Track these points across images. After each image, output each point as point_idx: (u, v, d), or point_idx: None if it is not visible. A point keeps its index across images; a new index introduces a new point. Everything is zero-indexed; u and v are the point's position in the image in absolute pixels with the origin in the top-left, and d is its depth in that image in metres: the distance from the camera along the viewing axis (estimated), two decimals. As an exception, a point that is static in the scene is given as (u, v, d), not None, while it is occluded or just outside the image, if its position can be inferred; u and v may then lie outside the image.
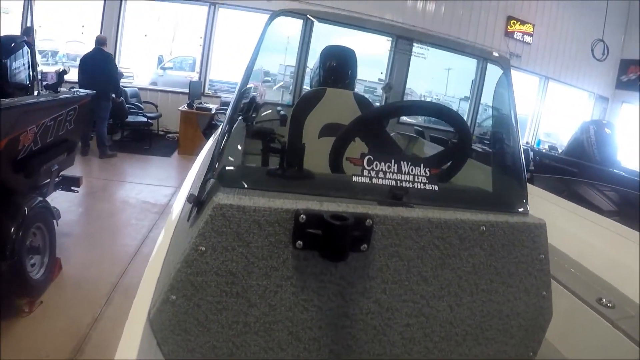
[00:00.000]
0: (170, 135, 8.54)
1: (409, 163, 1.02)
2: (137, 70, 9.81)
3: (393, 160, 1.01)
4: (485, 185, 1.36)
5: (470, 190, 1.36)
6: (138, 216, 4.57)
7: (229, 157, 1.16)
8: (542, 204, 2.13)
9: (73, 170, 3.88)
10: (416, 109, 1.89)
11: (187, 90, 8.10)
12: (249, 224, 0.87)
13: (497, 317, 1.11)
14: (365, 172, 0.99)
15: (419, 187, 1.02)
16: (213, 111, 7.81)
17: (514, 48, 10.43)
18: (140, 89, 8.53)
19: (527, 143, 10.88)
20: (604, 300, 1.44)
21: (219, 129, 2.37)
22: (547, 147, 9.39)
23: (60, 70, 3.66)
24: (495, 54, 1.63)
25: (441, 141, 3.69)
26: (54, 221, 3.14)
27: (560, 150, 7.84)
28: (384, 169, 1.00)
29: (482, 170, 1.54)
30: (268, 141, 1.74)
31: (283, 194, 0.94)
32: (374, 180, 0.99)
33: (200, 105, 7.75)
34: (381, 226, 0.93)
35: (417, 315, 1.03)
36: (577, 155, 6.29)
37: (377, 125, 1.46)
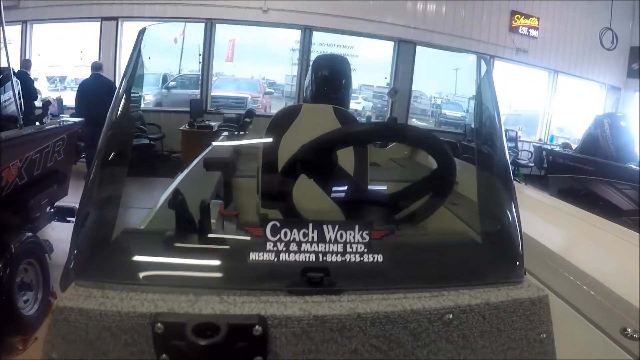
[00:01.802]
0: (175, 155, 8.45)
1: (336, 227, 0.72)
2: (140, 92, 9.77)
3: (311, 225, 0.72)
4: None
5: (437, 257, 1.01)
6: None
7: (88, 232, 0.88)
8: (559, 216, 1.93)
9: (71, 197, 3.78)
10: (372, 134, 1.37)
11: (188, 109, 8.05)
12: (99, 330, 0.67)
13: None
14: (270, 246, 0.71)
15: (352, 260, 0.73)
16: (214, 129, 7.71)
17: (520, 43, 10.18)
18: (143, 111, 8.48)
19: (540, 140, 10.62)
20: (629, 330, 1.21)
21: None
22: (560, 143, 9.12)
23: (44, 102, 3.58)
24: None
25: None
26: (47, 255, 3.03)
27: (574, 147, 7.57)
28: (297, 239, 0.72)
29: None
30: None
31: (146, 287, 0.72)
32: (282, 257, 0.72)
33: (202, 124, 7.65)
34: (284, 330, 0.68)
35: None
36: (592, 151, 6.02)
37: (317, 162, 1.13)
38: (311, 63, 2.36)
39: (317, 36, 9.00)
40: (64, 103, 6.05)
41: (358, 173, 1.49)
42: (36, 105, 5.15)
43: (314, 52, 8.81)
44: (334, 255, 0.72)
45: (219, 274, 0.83)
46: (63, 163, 3.46)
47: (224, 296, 0.70)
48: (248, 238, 0.76)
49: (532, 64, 10.53)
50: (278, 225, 0.71)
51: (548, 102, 11.24)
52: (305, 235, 0.71)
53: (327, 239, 0.72)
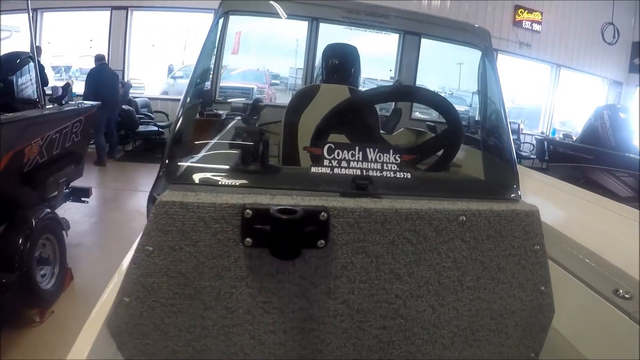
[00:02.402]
0: (181, 142, 8.61)
1: (376, 150, 0.92)
2: (147, 80, 9.92)
3: (357, 148, 0.92)
4: (475, 173, 1.27)
5: (451, 177, 1.29)
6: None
7: (177, 153, 1.08)
8: (554, 192, 2.06)
9: (84, 181, 3.92)
10: (394, 95, 1.88)
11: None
12: (194, 221, 0.81)
13: (488, 317, 1.01)
14: (326, 162, 0.90)
15: (388, 175, 0.93)
16: (223, 117, 7.83)
17: (524, 37, 10.26)
18: (150, 98, 8.61)
19: (542, 133, 10.70)
20: (621, 291, 1.35)
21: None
22: (561, 135, 9.21)
23: (64, 84, 3.69)
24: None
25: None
26: (64, 232, 3.16)
27: (575, 138, 7.68)
28: (347, 158, 0.91)
29: (472, 158, 1.45)
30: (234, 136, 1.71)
31: (233, 189, 0.89)
32: (336, 171, 0.91)
33: (211, 113, 7.78)
34: (340, 220, 0.85)
35: (394, 317, 0.94)
36: (592, 141, 6.14)
37: (354, 115, 1.37)
38: (322, 52, 2.48)
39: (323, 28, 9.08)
40: (73, 90, 6.24)
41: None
42: (46, 92, 5.31)
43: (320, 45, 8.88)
44: (375, 170, 0.92)
45: (289, 180, 1.03)
46: (80, 145, 3.57)
47: (294, 196, 0.87)
48: (311, 156, 0.94)
49: (535, 58, 10.61)
50: (332, 146, 0.91)
51: (550, 96, 11.33)
52: (353, 155, 0.91)
53: (369, 158, 0.92)
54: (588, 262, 1.50)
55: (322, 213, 0.82)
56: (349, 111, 1.29)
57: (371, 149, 0.92)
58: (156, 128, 7.70)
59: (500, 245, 0.96)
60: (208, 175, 1.00)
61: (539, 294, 1.04)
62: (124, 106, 7.12)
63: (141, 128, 7.45)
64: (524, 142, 9.77)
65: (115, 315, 0.83)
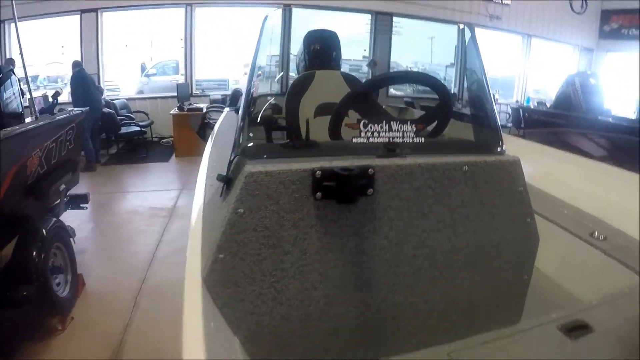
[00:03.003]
0: (164, 140, 8.61)
1: (398, 122, 1.19)
2: (121, 82, 9.83)
3: (384, 121, 1.17)
4: (467, 136, 1.53)
5: (452, 139, 1.55)
6: (148, 222, 4.69)
7: (249, 137, 1.30)
8: (532, 154, 2.28)
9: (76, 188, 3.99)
10: (398, 79, 2.18)
11: (175, 94, 8.20)
12: (276, 184, 1.02)
13: (489, 245, 1.29)
14: (362, 134, 1.15)
15: (408, 140, 1.19)
16: (204, 110, 7.88)
17: (494, 10, 10.44)
18: (128, 99, 8.57)
19: (517, 102, 10.96)
20: (597, 233, 1.61)
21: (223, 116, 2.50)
22: (535, 103, 9.47)
23: (54, 93, 3.73)
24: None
25: (430, 108, 3.82)
26: (71, 239, 3.25)
27: (548, 105, 7.92)
28: (377, 130, 1.17)
29: (463, 126, 1.68)
30: (276, 122, 1.97)
31: (299, 159, 1.10)
32: (370, 140, 1.16)
33: (191, 107, 7.82)
34: (381, 174, 1.10)
35: (422, 247, 1.21)
36: (565, 107, 6.39)
37: (366, 97, 1.58)
38: (303, 38, 2.62)
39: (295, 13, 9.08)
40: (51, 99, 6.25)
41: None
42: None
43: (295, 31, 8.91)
44: (398, 137, 1.19)
45: (339, 149, 1.26)
46: (74, 152, 3.62)
47: (346, 160, 1.10)
48: (351, 130, 1.18)
49: (506, 29, 10.80)
50: (366, 122, 1.16)
51: (523, 66, 11.57)
52: (382, 127, 1.17)
53: (394, 129, 1.18)
54: (567, 213, 1.77)
55: (370, 169, 1.07)
56: (365, 93, 1.54)
57: (394, 122, 1.18)
58: (138, 128, 7.70)
59: (493, 188, 1.25)
60: (274, 151, 1.25)
61: (526, 225, 1.33)
62: (104, 109, 7.12)
63: (123, 130, 7.44)
64: (500, 112, 10.00)
65: (212, 272, 1.01)
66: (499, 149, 1.34)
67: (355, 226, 1.13)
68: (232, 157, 1.17)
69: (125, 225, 4.65)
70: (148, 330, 2.85)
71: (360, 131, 1.16)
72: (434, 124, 1.47)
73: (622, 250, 1.49)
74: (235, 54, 10.32)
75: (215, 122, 7.95)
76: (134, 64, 10.17)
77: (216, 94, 9.00)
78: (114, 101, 7.92)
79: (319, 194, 1.05)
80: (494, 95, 7.48)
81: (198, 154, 7.78)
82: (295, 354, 1.15)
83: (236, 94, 3.57)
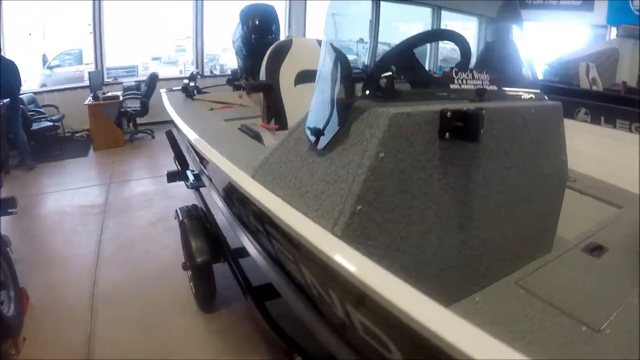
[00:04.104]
0: (78, 134, 8.03)
1: (478, 71, 1.32)
2: (24, 75, 8.96)
3: (470, 72, 1.29)
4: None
5: (517, 91, 1.66)
6: (82, 222, 4.41)
7: (370, 83, 1.27)
8: None
9: None
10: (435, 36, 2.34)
11: (84, 84, 7.68)
12: (413, 126, 1.04)
13: (541, 179, 1.45)
14: (456, 81, 1.26)
15: (488, 88, 1.31)
16: (121, 98, 7.46)
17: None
18: (35, 93, 7.84)
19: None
20: (571, 178, 1.84)
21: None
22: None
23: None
24: None
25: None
26: (8, 249, 2.96)
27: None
28: (466, 78, 1.28)
29: None
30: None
31: (419, 102, 1.13)
32: (462, 86, 1.27)
33: (107, 95, 7.35)
34: (473, 115, 1.15)
35: (503, 184, 1.31)
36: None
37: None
38: (240, 13, 2.62)
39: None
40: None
41: None
42: None
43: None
44: (480, 85, 1.31)
45: (444, 94, 1.29)
46: (-5, 151, 3.29)
47: (444, 103, 1.15)
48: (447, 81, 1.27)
49: (415, 2, 11.14)
50: (457, 70, 1.27)
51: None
52: (469, 76, 1.29)
53: (475, 77, 1.30)
54: None
55: (483, 110, 1.10)
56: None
57: (475, 72, 1.31)
58: (51, 123, 7.09)
59: (547, 128, 1.43)
60: (397, 96, 1.24)
61: (562, 162, 1.53)
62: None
63: (35, 126, 6.81)
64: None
65: (348, 227, 0.97)
66: (541, 97, 1.52)
67: (464, 165, 1.19)
68: (344, 104, 1.11)
69: (58, 228, 4.33)
70: (115, 336, 2.71)
71: (454, 78, 1.26)
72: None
73: (592, 189, 1.70)
74: (142, 39, 9.84)
75: (132, 110, 7.56)
76: (36, 56, 9.34)
77: (129, 81, 8.56)
78: (21, 95, 7.20)
79: (447, 134, 1.09)
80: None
81: (118, 145, 7.37)
82: None
83: (193, 76, 3.43)
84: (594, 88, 5.04)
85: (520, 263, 1.37)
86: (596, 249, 1.32)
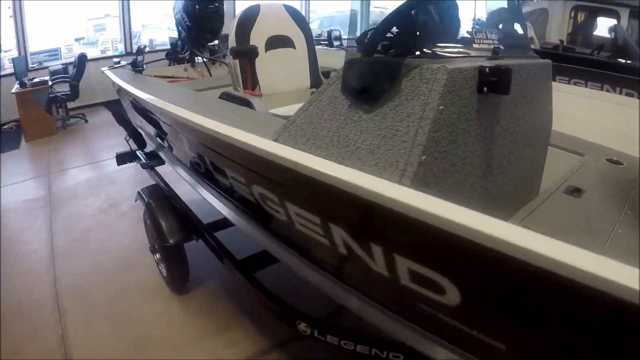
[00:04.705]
0: (6, 126, 7.44)
1: (489, 32, 1.41)
2: None
3: (484, 32, 1.39)
4: None
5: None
6: (28, 217, 4.12)
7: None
8: None
9: None
10: None
11: (5, 73, 7.16)
12: (462, 81, 1.10)
13: (537, 127, 1.58)
14: (477, 40, 1.36)
15: (499, 46, 1.42)
16: (49, 83, 6.97)
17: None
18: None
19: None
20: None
21: None
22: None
23: None
24: None
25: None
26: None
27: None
28: (482, 38, 1.38)
29: None
30: None
31: (454, 59, 1.20)
32: (481, 45, 1.37)
33: (35, 81, 6.83)
34: (494, 67, 1.23)
35: (513, 133, 1.42)
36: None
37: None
38: None
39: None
40: None
41: None
42: None
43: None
44: (493, 44, 1.42)
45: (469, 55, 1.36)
46: None
47: (466, 62, 1.18)
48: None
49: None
50: (478, 26, 1.40)
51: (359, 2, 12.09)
52: (485, 36, 1.40)
53: (489, 37, 1.41)
54: None
55: (508, 66, 1.16)
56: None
57: (488, 32, 1.40)
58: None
59: (541, 83, 1.57)
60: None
61: (549, 112, 1.68)
62: None
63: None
64: (347, 47, 10.35)
65: (416, 175, 1.02)
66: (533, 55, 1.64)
67: (490, 117, 1.28)
68: (393, 63, 1.12)
69: (3, 227, 3.99)
70: (89, 333, 2.57)
71: (475, 38, 1.35)
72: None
73: (554, 140, 1.82)
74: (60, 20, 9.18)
75: (62, 94, 7.12)
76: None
77: (55, 65, 8.01)
78: None
79: (485, 88, 1.16)
80: (340, 32, 7.84)
81: (51, 133, 6.94)
82: None
83: (140, 50, 3.35)
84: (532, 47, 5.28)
85: (516, 207, 1.44)
86: (575, 191, 1.41)
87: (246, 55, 2.34)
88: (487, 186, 1.34)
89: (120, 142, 4.05)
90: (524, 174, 1.57)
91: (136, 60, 3.11)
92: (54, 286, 3.01)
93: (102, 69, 3.42)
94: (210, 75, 3.63)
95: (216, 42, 3.70)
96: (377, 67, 1.15)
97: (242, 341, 2.48)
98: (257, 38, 2.37)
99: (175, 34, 3.78)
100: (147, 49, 8.62)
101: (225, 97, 2.17)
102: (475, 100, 1.17)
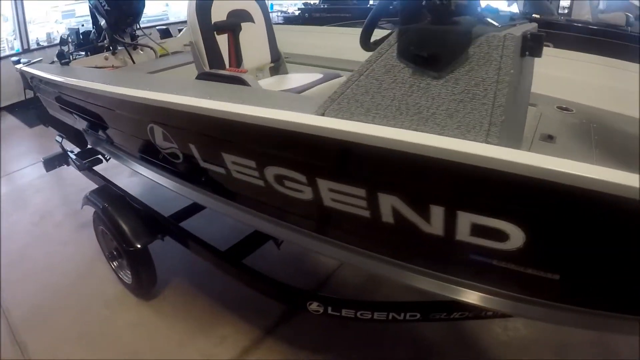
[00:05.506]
0: None
1: None
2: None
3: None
4: None
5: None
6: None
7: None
8: None
9: None
10: None
11: None
12: (517, 46, 1.13)
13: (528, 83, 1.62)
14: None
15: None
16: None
17: None
18: None
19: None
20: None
21: None
22: (301, 4, 9.84)
23: None
24: None
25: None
26: None
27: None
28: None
29: None
30: None
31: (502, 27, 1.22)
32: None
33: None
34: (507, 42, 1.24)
35: (522, 90, 1.42)
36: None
37: None
38: None
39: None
40: None
41: None
42: None
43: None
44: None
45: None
46: None
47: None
48: None
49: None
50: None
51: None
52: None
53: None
54: None
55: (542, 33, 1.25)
56: None
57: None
58: None
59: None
60: None
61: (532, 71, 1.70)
62: None
63: None
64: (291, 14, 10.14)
65: (500, 134, 1.10)
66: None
67: (518, 77, 1.25)
68: (460, 31, 1.15)
69: None
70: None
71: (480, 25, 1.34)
72: None
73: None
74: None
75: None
76: None
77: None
78: None
79: (527, 52, 1.21)
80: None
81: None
82: None
83: (64, 40, 3.10)
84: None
85: None
86: (548, 137, 1.50)
87: (228, 30, 2.33)
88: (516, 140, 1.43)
89: (31, 147, 3.70)
90: (521, 127, 1.63)
91: (62, 51, 2.79)
92: (6, 319, 2.65)
93: (18, 66, 3.09)
94: (134, 62, 3.37)
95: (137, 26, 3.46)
96: (442, 35, 1.16)
97: (230, 335, 2.38)
98: (218, 14, 2.34)
99: (73, 24, 3.52)
100: (46, 43, 7.88)
101: (207, 77, 2.02)
102: (519, 64, 1.22)
